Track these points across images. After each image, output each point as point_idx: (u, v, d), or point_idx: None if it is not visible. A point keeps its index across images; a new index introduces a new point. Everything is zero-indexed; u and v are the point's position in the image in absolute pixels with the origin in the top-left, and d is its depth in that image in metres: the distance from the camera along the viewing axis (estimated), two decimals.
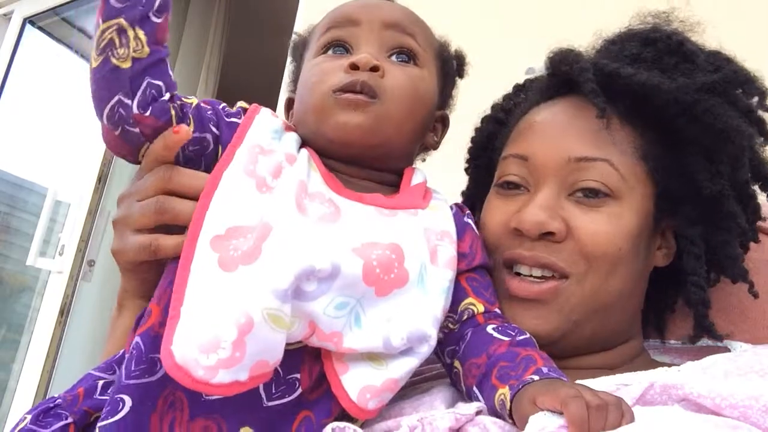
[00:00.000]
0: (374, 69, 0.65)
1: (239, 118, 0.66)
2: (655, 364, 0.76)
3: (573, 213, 0.70)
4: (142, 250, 0.62)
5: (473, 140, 0.92)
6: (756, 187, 0.76)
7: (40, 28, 3.20)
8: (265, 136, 0.64)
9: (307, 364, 0.59)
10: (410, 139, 0.70)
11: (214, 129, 0.64)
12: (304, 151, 0.66)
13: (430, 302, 0.62)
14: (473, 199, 0.90)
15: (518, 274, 0.71)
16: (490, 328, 0.64)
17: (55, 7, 3.07)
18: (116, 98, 0.58)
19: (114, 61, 0.57)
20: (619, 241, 0.69)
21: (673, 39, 0.73)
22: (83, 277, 2.48)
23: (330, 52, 0.70)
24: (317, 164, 0.66)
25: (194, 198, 0.60)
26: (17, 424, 0.60)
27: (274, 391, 0.57)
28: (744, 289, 0.76)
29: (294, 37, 0.83)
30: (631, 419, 0.48)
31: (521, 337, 0.63)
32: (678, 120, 0.71)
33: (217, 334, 0.51)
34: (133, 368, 0.55)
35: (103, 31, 0.57)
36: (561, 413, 0.48)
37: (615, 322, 0.73)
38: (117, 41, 0.57)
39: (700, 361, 0.62)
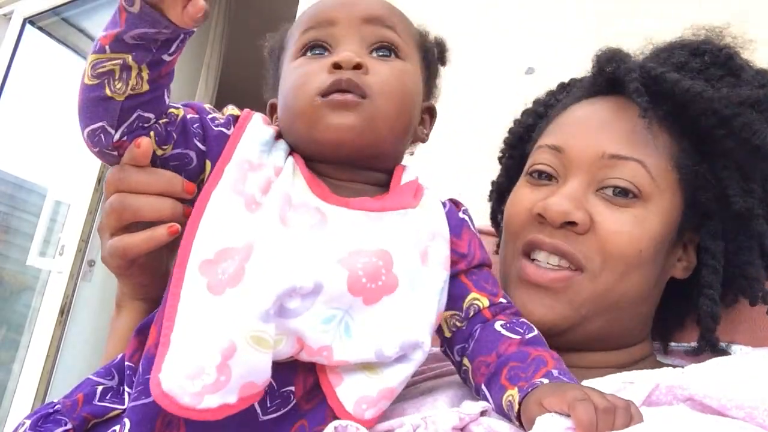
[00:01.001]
0: (357, 67, 0.63)
1: (228, 129, 0.64)
2: (661, 366, 0.76)
3: (598, 208, 0.70)
4: (114, 254, 0.62)
5: (511, 131, 0.92)
6: None
7: (40, 28, 3.20)
8: (254, 150, 0.62)
9: (300, 375, 0.58)
10: (402, 136, 0.69)
11: (199, 144, 0.62)
12: (290, 159, 0.65)
13: (422, 306, 0.61)
14: (503, 189, 0.90)
15: (534, 260, 0.71)
16: (498, 325, 0.63)
17: (55, 8, 3.07)
18: (100, 125, 0.57)
19: (108, 92, 0.56)
20: (640, 243, 0.69)
21: (722, 52, 0.73)
22: (83, 277, 2.48)
23: (309, 53, 0.68)
24: (302, 171, 0.64)
25: (150, 193, 0.60)
26: (16, 429, 0.59)
27: (269, 405, 0.57)
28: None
29: (268, 39, 0.80)
30: (640, 422, 0.48)
31: (530, 335, 0.62)
32: (716, 131, 0.70)
33: (200, 360, 0.51)
34: (133, 390, 0.55)
35: (107, 59, 0.55)
36: (568, 415, 0.48)
37: (625, 323, 0.73)
38: (117, 74, 0.56)
39: (704, 363, 0.62)
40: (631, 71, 0.73)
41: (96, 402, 0.60)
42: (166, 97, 0.60)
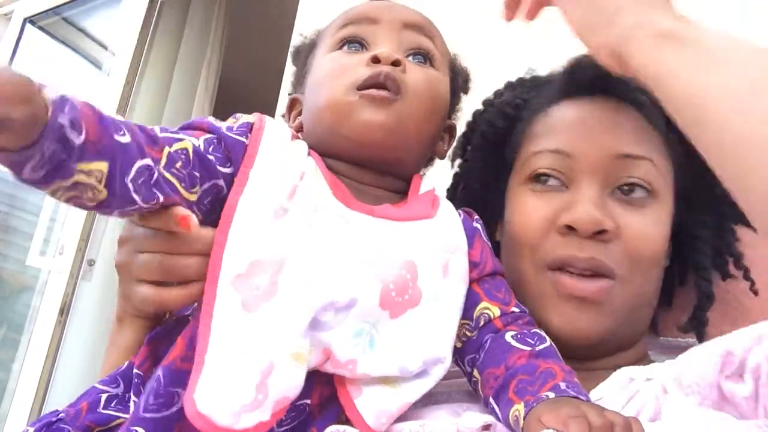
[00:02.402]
0: (396, 63, 0.63)
1: (245, 137, 0.59)
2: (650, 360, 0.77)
3: (618, 212, 0.69)
4: (146, 303, 0.57)
5: (483, 134, 0.88)
6: None
7: (41, 28, 3.19)
8: (276, 153, 0.59)
9: (317, 389, 0.58)
10: (426, 143, 0.69)
11: (223, 170, 0.57)
12: (311, 161, 0.62)
13: (444, 320, 0.61)
14: (476, 197, 0.87)
15: (568, 272, 0.70)
16: (509, 336, 0.62)
17: (56, 7, 3.06)
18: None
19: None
20: (660, 243, 0.69)
21: None
22: (83, 276, 2.48)
23: (345, 48, 0.67)
24: (324, 173, 0.62)
25: (198, 254, 0.55)
26: None
27: (284, 419, 0.56)
28: (740, 287, 0.77)
29: (299, 38, 0.80)
30: None
31: (541, 346, 0.61)
32: None
33: (239, 380, 0.50)
34: (151, 401, 0.53)
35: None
36: None
37: (641, 323, 0.74)
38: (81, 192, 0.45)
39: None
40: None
41: (100, 410, 0.59)
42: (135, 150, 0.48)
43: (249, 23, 3.29)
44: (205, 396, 0.50)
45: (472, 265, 0.65)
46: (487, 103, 0.90)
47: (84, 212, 2.48)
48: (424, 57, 0.68)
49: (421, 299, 0.59)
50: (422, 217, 0.63)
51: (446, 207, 0.68)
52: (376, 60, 0.62)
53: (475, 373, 0.63)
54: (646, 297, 0.71)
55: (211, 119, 0.61)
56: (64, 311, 2.44)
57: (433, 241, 0.62)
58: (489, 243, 0.70)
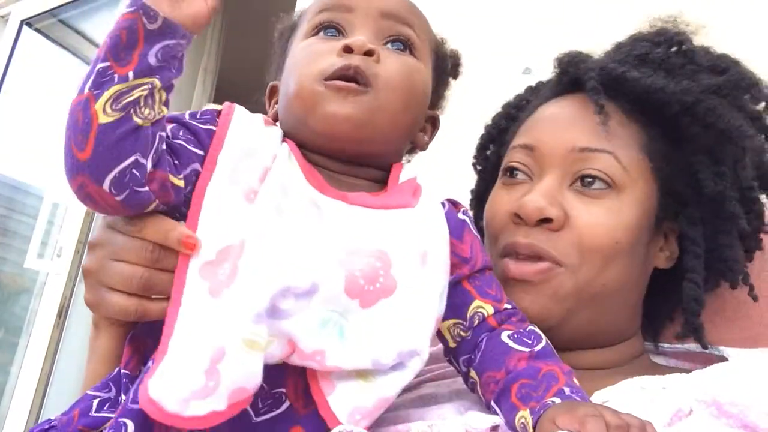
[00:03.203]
0: (369, 53, 0.61)
1: (213, 123, 0.59)
2: (655, 366, 0.77)
3: (572, 203, 0.70)
4: (126, 314, 0.56)
5: (483, 137, 0.93)
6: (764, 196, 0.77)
7: (38, 30, 3.19)
8: (247, 136, 0.58)
9: (291, 378, 0.55)
10: (402, 134, 0.66)
11: (198, 150, 0.56)
12: (285, 146, 0.61)
13: (421, 311, 0.58)
14: (481, 195, 0.90)
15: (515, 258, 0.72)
16: (505, 336, 0.61)
17: (53, 9, 3.06)
18: (132, 159, 0.50)
19: (138, 121, 0.50)
20: (616, 234, 0.69)
21: (674, 40, 0.75)
22: (81, 279, 2.48)
23: (321, 34, 0.65)
24: (298, 159, 0.61)
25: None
26: None
27: (260, 406, 0.54)
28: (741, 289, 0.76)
29: (281, 18, 0.77)
30: None
31: (539, 347, 0.61)
32: (681, 118, 0.71)
33: (188, 364, 0.49)
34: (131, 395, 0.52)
35: (133, 87, 0.50)
36: None
37: (612, 316, 0.73)
38: (143, 101, 0.51)
39: (720, 366, 0.62)
40: (589, 71, 0.75)
41: (92, 414, 0.58)
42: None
43: (246, 25, 3.29)
44: (157, 382, 0.49)
45: (463, 261, 0.64)
46: (503, 105, 0.94)
47: (81, 215, 2.48)
48: (403, 44, 0.66)
49: (395, 289, 0.56)
50: (401, 206, 0.61)
51: (428, 196, 0.65)
52: (348, 49, 0.60)
53: (473, 374, 0.62)
54: (609, 287, 0.70)
55: (179, 116, 0.61)
56: (62, 313, 2.44)
57: (411, 230, 0.60)
58: (479, 236, 0.68)
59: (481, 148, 0.94)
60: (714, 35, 0.77)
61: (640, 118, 0.74)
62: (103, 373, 0.62)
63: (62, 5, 3.01)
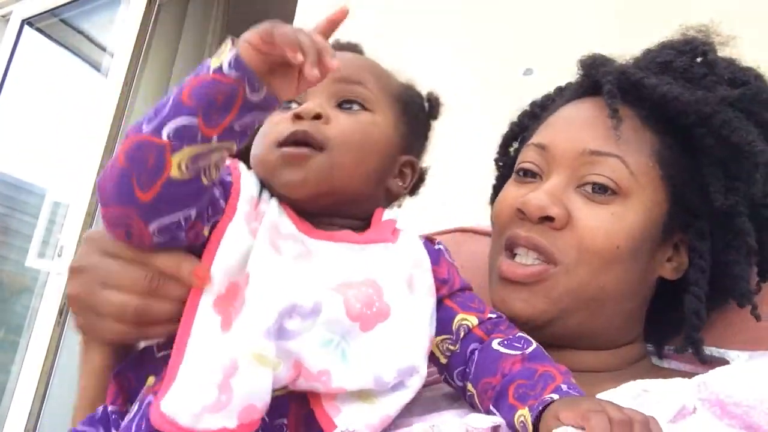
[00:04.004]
0: (317, 117, 0.64)
1: (229, 176, 0.62)
2: (656, 370, 0.77)
3: (577, 204, 0.71)
4: (120, 338, 0.57)
5: (506, 134, 0.93)
6: None
7: (39, 30, 3.20)
8: (252, 186, 0.63)
9: (293, 408, 0.58)
10: (366, 185, 0.68)
11: (223, 202, 0.60)
12: (274, 200, 0.65)
13: (415, 333, 0.62)
14: (498, 191, 0.89)
15: (515, 255, 0.72)
16: (496, 344, 0.63)
17: (54, 9, 3.07)
18: (186, 213, 0.53)
19: (205, 181, 0.53)
20: (617, 239, 0.69)
21: (699, 50, 0.74)
22: None
23: (284, 103, 0.68)
24: (285, 209, 0.64)
25: (178, 299, 0.56)
26: None
27: None
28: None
29: None
30: None
31: (530, 349, 0.62)
32: (696, 129, 0.71)
33: (201, 379, 0.51)
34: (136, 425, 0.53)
35: (213, 150, 0.52)
36: (583, 428, 0.48)
37: (608, 320, 0.73)
38: (215, 164, 0.54)
39: (725, 368, 0.62)
40: (607, 74, 0.74)
41: None
42: None
43: (247, 25, 3.30)
44: (170, 400, 0.51)
45: (441, 282, 0.67)
46: (529, 104, 0.94)
47: (82, 214, 2.48)
48: (354, 102, 0.68)
49: (390, 313, 0.60)
50: (383, 240, 0.66)
51: (407, 234, 0.69)
52: (298, 116, 0.65)
53: (469, 386, 0.63)
54: (605, 291, 0.70)
55: None
56: (63, 312, 2.44)
57: (395, 259, 0.64)
58: (455, 263, 0.71)
59: (504, 144, 0.94)
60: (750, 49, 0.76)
61: (655, 126, 0.73)
62: (95, 388, 0.64)
63: (63, 5, 3.02)
